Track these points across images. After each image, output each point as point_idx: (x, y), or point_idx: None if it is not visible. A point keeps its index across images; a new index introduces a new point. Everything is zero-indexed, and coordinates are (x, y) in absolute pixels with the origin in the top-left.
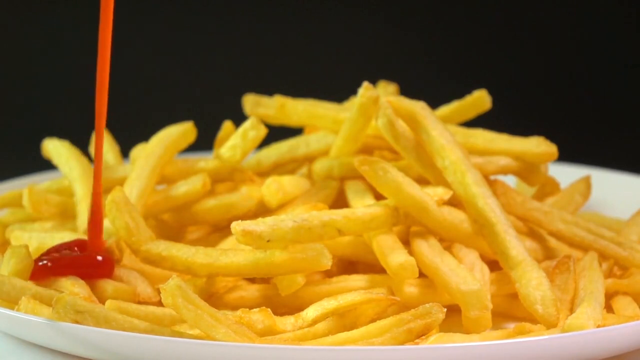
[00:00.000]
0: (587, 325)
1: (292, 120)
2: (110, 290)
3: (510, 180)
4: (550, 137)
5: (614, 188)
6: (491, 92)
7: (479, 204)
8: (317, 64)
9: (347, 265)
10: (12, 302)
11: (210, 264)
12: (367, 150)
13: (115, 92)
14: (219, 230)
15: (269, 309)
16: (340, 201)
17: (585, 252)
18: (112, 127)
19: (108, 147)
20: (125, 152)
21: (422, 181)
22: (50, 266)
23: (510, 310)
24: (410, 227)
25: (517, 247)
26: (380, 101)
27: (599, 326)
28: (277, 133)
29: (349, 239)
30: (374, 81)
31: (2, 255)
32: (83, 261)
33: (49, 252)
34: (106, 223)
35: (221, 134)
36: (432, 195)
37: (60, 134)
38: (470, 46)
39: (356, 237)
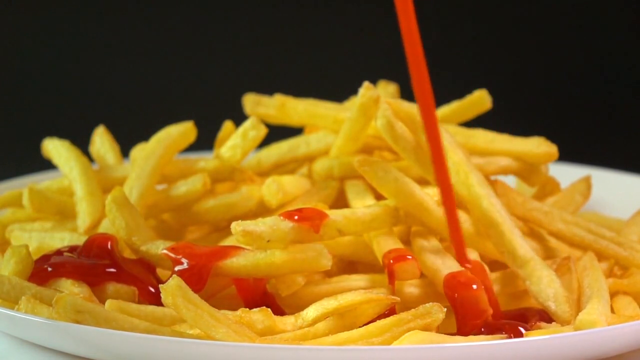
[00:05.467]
0: (599, 321)
1: (293, 120)
2: (110, 290)
3: (511, 181)
4: (550, 137)
5: (614, 188)
6: (491, 92)
7: (483, 204)
8: (317, 64)
9: (347, 265)
10: (12, 302)
11: None
12: (367, 150)
13: (116, 92)
14: (219, 230)
15: (269, 309)
16: (340, 201)
17: (585, 252)
18: (112, 127)
19: (108, 147)
20: (125, 152)
21: (422, 181)
22: (51, 271)
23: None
24: (410, 227)
25: (524, 246)
26: (379, 102)
27: (609, 323)
28: (277, 133)
29: (349, 239)
30: (374, 81)
31: (2, 255)
32: (88, 269)
33: (48, 257)
34: (106, 223)
35: (221, 133)
36: (432, 195)
37: (60, 134)
38: (470, 46)
39: (356, 237)
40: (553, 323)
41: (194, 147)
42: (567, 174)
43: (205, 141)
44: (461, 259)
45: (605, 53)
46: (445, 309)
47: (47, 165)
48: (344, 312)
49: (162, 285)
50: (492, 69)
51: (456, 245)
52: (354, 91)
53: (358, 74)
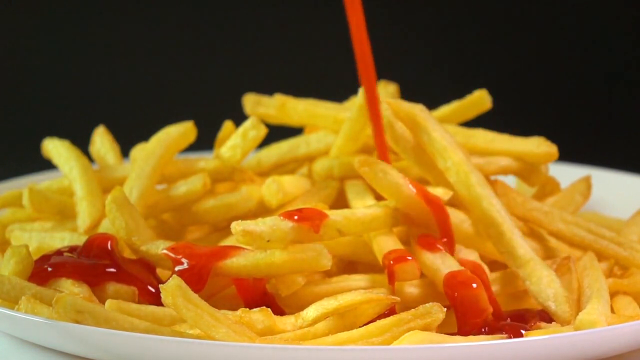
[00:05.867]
0: (599, 321)
1: (293, 120)
2: (110, 290)
3: (511, 181)
4: (550, 137)
5: (614, 188)
6: (491, 92)
7: (483, 204)
8: (317, 64)
9: (347, 265)
10: (12, 302)
11: None
12: (367, 150)
13: (116, 92)
14: (219, 230)
15: (269, 309)
16: (340, 201)
17: (585, 252)
18: (112, 127)
19: (108, 147)
20: (125, 152)
21: (422, 182)
22: (51, 271)
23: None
24: (410, 227)
25: (524, 247)
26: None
27: (609, 323)
28: (277, 133)
29: (349, 239)
30: None
31: (2, 255)
32: (88, 269)
33: (48, 257)
34: (106, 223)
35: (221, 133)
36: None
37: (60, 134)
38: (470, 46)
39: (356, 237)
40: (553, 323)
41: (194, 147)
42: (567, 174)
43: (205, 141)
44: (382, 154)
45: (605, 53)
46: (445, 309)
47: (47, 165)
48: (344, 312)
49: (162, 285)
50: (492, 69)
51: (378, 141)
52: (354, 91)
53: (358, 74)
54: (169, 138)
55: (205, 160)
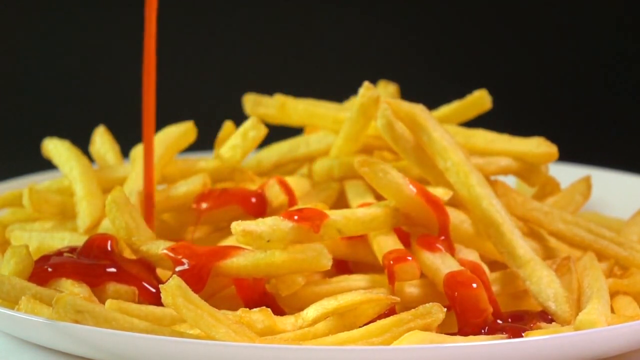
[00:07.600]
0: (599, 321)
1: (293, 120)
2: (110, 290)
3: (511, 181)
4: (550, 137)
5: (614, 188)
6: (491, 92)
7: (483, 204)
8: (317, 64)
9: (347, 265)
10: (12, 302)
11: None
12: (367, 150)
13: (116, 91)
14: (219, 230)
15: (269, 309)
16: (340, 202)
17: (585, 252)
18: (112, 127)
19: (108, 147)
20: (125, 152)
21: (422, 182)
22: (51, 271)
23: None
24: (410, 227)
25: (524, 247)
26: (379, 102)
27: (609, 323)
28: (277, 133)
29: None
30: (374, 81)
31: (2, 255)
32: (88, 269)
33: (48, 258)
34: (106, 223)
35: (221, 134)
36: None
37: (60, 134)
38: (470, 46)
39: (356, 237)
40: (553, 323)
41: (194, 147)
42: (567, 174)
43: (205, 141)
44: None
45: (605, 53)
46: (445, 309)
47: (47, 165)
48: (344, 312)
49: (162, 285)
50: (492, 69)
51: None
52: (354, 91)
53: (358, 74)
54: (169, 138)
55: (205, 160)
